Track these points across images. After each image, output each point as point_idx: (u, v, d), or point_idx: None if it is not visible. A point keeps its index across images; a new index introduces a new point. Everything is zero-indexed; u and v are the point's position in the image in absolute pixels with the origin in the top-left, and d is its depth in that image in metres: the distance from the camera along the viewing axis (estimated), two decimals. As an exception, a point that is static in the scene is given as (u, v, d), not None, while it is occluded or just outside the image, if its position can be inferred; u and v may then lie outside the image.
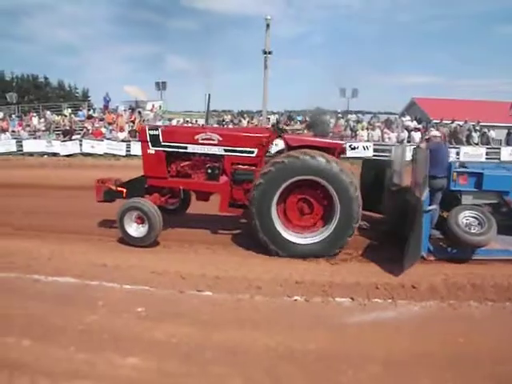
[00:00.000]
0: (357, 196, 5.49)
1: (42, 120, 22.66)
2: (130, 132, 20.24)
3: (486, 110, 23.85)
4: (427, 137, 7.49)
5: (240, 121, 23.74)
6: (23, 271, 4.97)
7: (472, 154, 19.18)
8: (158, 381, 3.13)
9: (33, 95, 41.18)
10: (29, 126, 22.01)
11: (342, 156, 6.48)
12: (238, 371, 3.21)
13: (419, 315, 4.24)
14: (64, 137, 20.50)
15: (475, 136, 20.29)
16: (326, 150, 5.71)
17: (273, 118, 23.63)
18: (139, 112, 22.87)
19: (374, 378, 3.17)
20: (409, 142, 18.55)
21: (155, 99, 25.23)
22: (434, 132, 7.04)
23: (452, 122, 21.22)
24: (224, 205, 6.35)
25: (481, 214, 5.53)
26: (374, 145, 19.29)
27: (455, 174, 5.86)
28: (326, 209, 5.74)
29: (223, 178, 6.38)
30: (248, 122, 23.50)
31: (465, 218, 5.53)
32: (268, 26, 21.06)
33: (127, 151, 19.35)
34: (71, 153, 19.64)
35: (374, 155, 18.31)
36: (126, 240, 6.01)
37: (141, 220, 5.91)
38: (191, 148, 6.40)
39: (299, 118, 22.58)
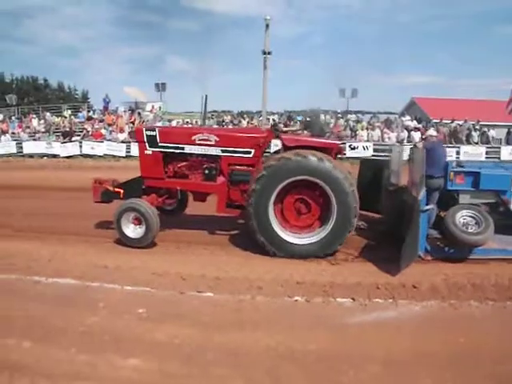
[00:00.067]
0: (352, 191, 5.48)
1: (42, 122, 22.64)
2: (129, 133, 20.20)
3: (486, 110, 23.84)
4: (424, 136, 7.52)
5: (240, 121, 23.73)
6: (23, 273, 4.97)
7: (472, 153, 19.20)
8: (159, 382, 3.13)
9: (32, 97, 41.10)
10: (29, 127, 21.99)
11: (341, 156, 6.48)
12: (239, 372, 3.21)
13: (420, 315, 4.24)
14: (64, 138, 20.50)
15: (475, 135, 20.32)
16: (322, 150, 5.70)
17: (272, 119, 23.62)
18: (139, 113, 22.90)
19: (374, 377, 3.17)
20: (409, 141, 18.56)
21: (155, 100, 25.24)
22: (430, 131, 7.05)
23: (452, 122, 21.23)
24: (221, 205, 6.34)
25: (478, 214, 5.52)
26: (374, 145, 19.29)
27: (452, 173, 5.84)
28: (323, 208, 5.73)
29: (220, 179, 6.38)
30: (248, 122, 23.50)
31: (462, 217, 5.52)
32: (267, 26, 20.94)
33: (127, 152, 19.33)
34: (71, 154, 19.64)
35: (374, 155, 18.32)
36: (123, 241, 6.01)
37: (138, 221, 5.90)
38: (188, 149, 6.40)
39: (299, 119, 22.57)
